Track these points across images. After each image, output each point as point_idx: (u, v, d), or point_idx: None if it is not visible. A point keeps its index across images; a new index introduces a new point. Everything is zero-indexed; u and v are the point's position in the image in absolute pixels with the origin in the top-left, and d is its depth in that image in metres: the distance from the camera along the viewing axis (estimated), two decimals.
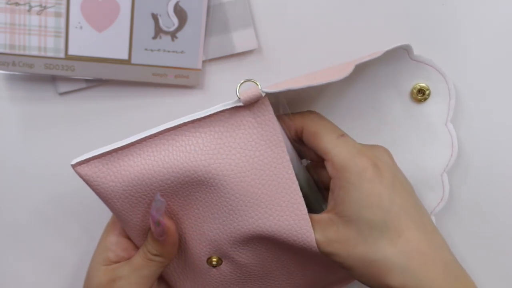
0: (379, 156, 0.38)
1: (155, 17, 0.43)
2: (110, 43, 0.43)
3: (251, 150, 0.38)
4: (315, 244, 0.37)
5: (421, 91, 0.43)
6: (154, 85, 0.45)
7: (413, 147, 0.44)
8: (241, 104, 0.37)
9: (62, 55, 0.43)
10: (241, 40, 0.44)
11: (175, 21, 0.43)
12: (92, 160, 0.38)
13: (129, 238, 0.41)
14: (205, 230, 0.39)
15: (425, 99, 0.43)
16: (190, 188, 0.39)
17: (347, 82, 0.42)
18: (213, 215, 0.39)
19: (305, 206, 0.38)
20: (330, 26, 0.44)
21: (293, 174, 0.38)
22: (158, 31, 0.43)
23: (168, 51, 0.43)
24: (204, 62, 0.44)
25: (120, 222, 0.41)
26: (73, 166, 0.38)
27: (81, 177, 0.38)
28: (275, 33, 0.44)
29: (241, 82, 0.37)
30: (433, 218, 0.44)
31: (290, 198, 0.38)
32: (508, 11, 0.44)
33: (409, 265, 0.36)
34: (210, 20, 0.44)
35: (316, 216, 0.38)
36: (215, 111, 0.38)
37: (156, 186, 0.38)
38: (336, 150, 0.37)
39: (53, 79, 0.45)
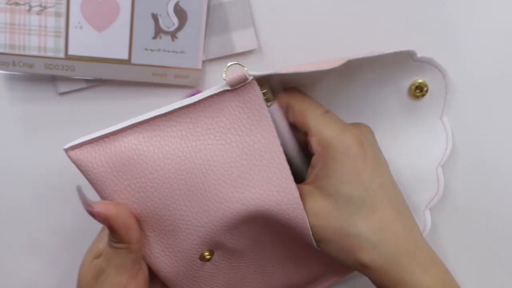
0: (363, 133, 0.38)
1: (155, 17, 0.43)
2: (110, 43, 0.43)
3: (241, 135, 0.38)
4: (307, 223, 0.38)
5: (419, 87, 0.43)
6: (154, 85, 0.45)
7: (409, 141, 0.44)
8: (228, 88, 0.37)
9: (62, 55, 0.43)
10: (241, 40, 0.44)
11: (175, 21, 0.43)
12: (85, 144, 0.38)
13: None
14: (196, 223, 0.39)
15: (423, 95, 0.43)
16: (180, 176, 0.38)
17: (346, 80, 0.42)
18: (205, 202, 0.39)
19: (297, 190, 0.38)
20: (330, 26, 0.44)
21: (284, 158, 0.38)
22: (158, 31, 0.43)
23: (168, 51, 0.43)
24: (204, 62, 0.44)
25: None
26: (66, 150, 0.38)
27: (73, 161, 0.38)
28: (275, 33, 0.44)
29: (228, 65, 0.38)
30: (428, 212, 0.44)
31: (282, 183, 0.38)
32: (508, 11, 0.44)
33: (381, 241, 0.37)
34: (210, 20, 0.44)
35: (305, 187, 0.39)
36: (204, 96, 0.38)
37: (147, 173, 0.38)
38: (321, 127, 0.38)
39: (53, 79, 0.45)
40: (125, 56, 0.43)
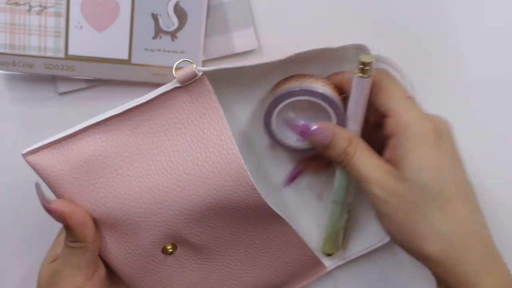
0: (440, 124, 0.38)
1: (155, 17, 0.43)
2: (110, 43, 0.43)
3: (195, 129, 0.40)
4: (268, 205, 0.39)
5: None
6: (154, 85, 0.44)
7: None
8: (179, 84, 0.39)
9: (62, 55, 0.43)
10: (241, 40, 0.44)
11: (175, 21, 0.43)
12: (42, 149, 0.39)
13: None
14: (157, 218, 0.40)
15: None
16: (139, 173, 0.39)
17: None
18: (163, 200, 0.39)
19: (250, 176, 0.39)
20: (330, 26, 0.44)
21: (236, 149, 0.39)
22: (158, 31, 0.43)
23: (168, 51, 0.43)
24: (204, 62, 0.44)
25: None
26: (24, 155, 0.39)
27: (32, 166, 0.39)
28: (275, 33, 0.44)
29: (176, 63, 0.39)
30: None
31: (236, 173, 0.39)
32: (508, 11, 0.44)
33: (452, 234, 0.36)
34: (210, 20, 0.44)
35: (381, 160, 0.39)
36: (156, 94, 0.39)
37: (105, 173, 0.39)
38: (403, 109, 0.38)
39: (53, 79, 0.45)
40: (125, 56, 0.43)
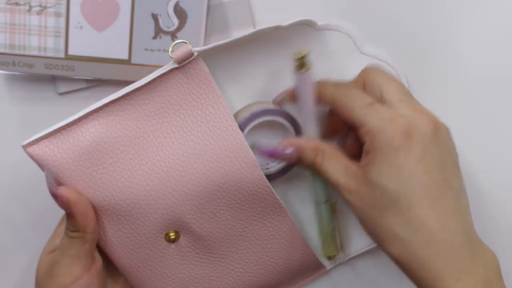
0: (416, 124, 0.37)
1: (155, 17, 0.43)
2: (110, 43, 0.43)
3: (193, 109, 0.40)
4: (267, 183, 0.40)
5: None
6: None
7: None
8: (176, 65, 0.39)
9: (62, 55, 0.43)
10: None
11: (175, 21, 0.43)
12: (42, 139, 0.39)
13: None
14: (161, 201, 0.40)
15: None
16: (141, 156, 0.40)
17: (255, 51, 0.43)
18: (166, 182, 0.40)
19: (250, 151, 0.40)
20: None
21: (236, 125, 0.40)
22: (158, 31, 0.43)
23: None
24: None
25: None
26: (24, 147, 0.39)
27: (32, 157, 0.39)
28: None
29: (173, 43, 0.40)
30: None
31: (236, 149, 0.39)
32: (508, 11, 0.44)
33: (411, 240, 0.36)
34: (210, 20, 0.44)
35: (349, 163, 0.39)
36: (154, 76, 0.40)
37: (107, 158, 0.39)
38: (366, 118, 0.38)
39: (53, 79, 0.45)
40: (125, 56, 0.43)
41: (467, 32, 0.44)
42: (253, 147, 0.41)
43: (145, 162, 0.40)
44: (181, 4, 0.42)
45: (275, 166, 0.42)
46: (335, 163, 0.39)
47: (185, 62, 0.39)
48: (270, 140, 0.41)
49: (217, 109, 0.40)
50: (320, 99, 0.40)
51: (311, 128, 0.41)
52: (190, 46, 0.39)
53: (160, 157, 0.40)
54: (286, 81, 0.42)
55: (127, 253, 0.41)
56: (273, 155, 0.40)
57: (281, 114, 0.42)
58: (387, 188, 0.36)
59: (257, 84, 0.44)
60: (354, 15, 0.44)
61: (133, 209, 0.40)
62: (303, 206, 0.46)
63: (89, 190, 0.39)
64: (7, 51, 0.43)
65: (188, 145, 0.40)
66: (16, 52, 0.43)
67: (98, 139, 0.39)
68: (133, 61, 0.43)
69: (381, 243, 0.38)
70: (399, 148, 0.36)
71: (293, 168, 0.43)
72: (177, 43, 0.40)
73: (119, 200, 0.40)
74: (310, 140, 0.41)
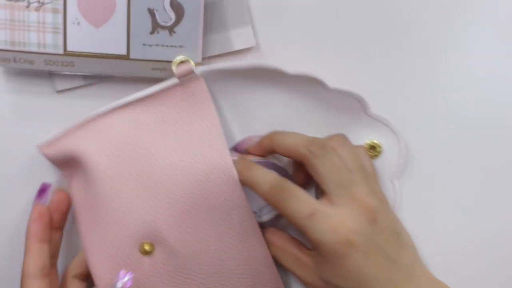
0: (355, 227, 0.38)
1: (151, 12, 0.42)
2: (108, 38, 0.43)
3: (187, 124, 0.42)
4: (247, 206, 0.41)
5: (373, 147, 0.43)
6: (154, 80, 0.44)
7: None
8: (177, 81, 0.42)
9: (61, 51, 0.43)
10: (239, 37, 0.44)
11: (172, 16, 0.42)
12: (57, 141, 0.42)
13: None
14: (142, 208, 0.41)
15: (376, 155, 0.43)
16: (130, 163, 0.41)
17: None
18: (150, 189, 0.40)
19: (235, 171, 0.40)
20: (328, 24, 0.44)
21: (225, 144, 0.41)
22: (156, 26, 0.42)
23: (167, 46, 0.43)
24: (202, 59, 0.43)
25: None
26: (40, 148, 0.42)
27: (49, 159, 0.42)
28: (273, 31, 0.44)
29: (174, 59, 0.42)
30: None
31: (221, 166, 0.40)
32: (508, 11, 0.43)
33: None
34: (208, 17, 0.43)
35: (300, 254, 0.42)
36: (155, 90, 0.42)
37: (102, 163, 0.41)
38: (307, 230, 0.38)
39: (50, 76, 0.45)
40: (123, 51, 0.43)
41: (467, 32, 0.43)
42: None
43: (132, 166, 0.41)
44: None
45: (267, 213, 0.42)
46: (287, 256, 0.42)
47: (185, 78, 0.41)
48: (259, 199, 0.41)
49: (209, 126, 0.41)
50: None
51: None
52: (193, 64, 0.41)
53: (148, 165, 0.41)
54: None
55: (104, 264, 0.41)
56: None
57: (272, 167, 0.42)
58: (341, 286, 0.39)
59: (253, 107, 0.45)
60: (351, 13, 0.44)
61: (114, 212, 0.41)
62: None
63: (81, 187, 0.42)
64: (8, 47, 0.43)
65: (176, 157, 0.41)
66: (17, 48, 0.43)
67: (83, 147, 0.42)
68: (131, 56, 0.43)
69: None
70: (343, 256, 0.38)
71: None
72: (181, 59, 0.42)
73: (106, 201, 0.41)
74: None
